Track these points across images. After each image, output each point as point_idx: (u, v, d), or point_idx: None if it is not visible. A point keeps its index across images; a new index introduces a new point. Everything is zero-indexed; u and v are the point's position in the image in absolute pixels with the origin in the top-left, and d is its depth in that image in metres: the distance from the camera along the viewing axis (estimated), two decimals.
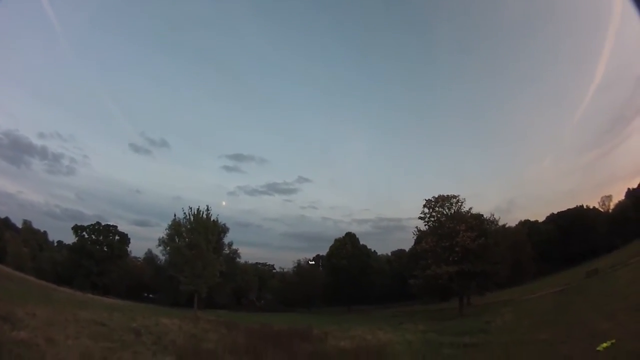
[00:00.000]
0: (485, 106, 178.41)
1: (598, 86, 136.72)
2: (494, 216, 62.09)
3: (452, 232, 53.47)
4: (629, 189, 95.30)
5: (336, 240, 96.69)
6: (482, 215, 59.45)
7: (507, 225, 75.48)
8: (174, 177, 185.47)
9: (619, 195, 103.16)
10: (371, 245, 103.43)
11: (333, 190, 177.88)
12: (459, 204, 57.56)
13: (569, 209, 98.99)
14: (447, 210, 57.45)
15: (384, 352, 21.15)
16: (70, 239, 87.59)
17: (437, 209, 57.88)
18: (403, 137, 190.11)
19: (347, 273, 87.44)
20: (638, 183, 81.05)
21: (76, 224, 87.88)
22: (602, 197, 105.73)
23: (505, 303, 51.03)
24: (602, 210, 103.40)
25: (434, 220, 57.72)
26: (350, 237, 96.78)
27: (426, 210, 58.23)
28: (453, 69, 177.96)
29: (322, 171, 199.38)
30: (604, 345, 15.66)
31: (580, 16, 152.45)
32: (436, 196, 58.54)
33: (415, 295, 66.55)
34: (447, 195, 58.27)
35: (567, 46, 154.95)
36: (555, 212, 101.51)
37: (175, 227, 53.52)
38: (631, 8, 4.81)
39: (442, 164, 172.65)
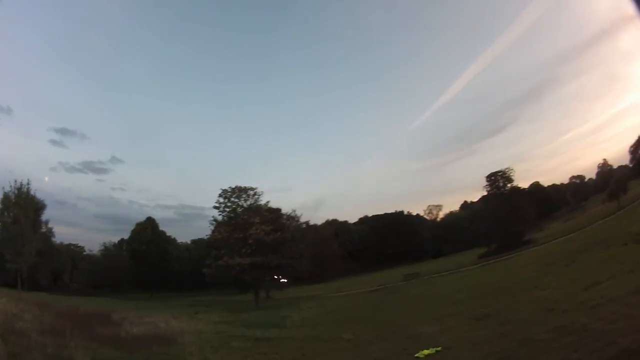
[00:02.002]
0: (303, 99, 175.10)
1: (450, 100, 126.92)
2: (295, 212, 66.27)
3: (246, 223, 54.09)
4: (465, 201, 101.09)
5: (137, 224, 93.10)
6: (280, 209, 61.18)
7: (311, 223, 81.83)
8: (10, 149, 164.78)
9: (450, 207, 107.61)
10: (173, 232, 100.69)
11: (142, 173, 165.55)
12: (256, 196, 58.55)
13: (386, 213, 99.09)
14: (243, 202, 58.33)
15: (173, 341, 20.94)
16: None
17: (232, 199, 58.34)
18: (219, 124, 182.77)
19: (147, 258, 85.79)
20: (478, 198, 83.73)
21: None
22: (429, 206, 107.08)
23: (308, 299, 50.89)
24: (427, 218, 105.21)
25: (229, 210, 58.09)
26: (150, 222, 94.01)
27: (221, 200, 58.36)
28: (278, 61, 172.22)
29: (135, 152, 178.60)
30: (426, 352, 13.91)
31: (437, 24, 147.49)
32: (233, 186, 58.86)
33: (212, 284, 64.89)
34: (244, 187, 58.76)
35: (418, 56, 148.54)
36: (370, 214, 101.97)
37: (5, 202, 51.86)
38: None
39: (255, 155, 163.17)
